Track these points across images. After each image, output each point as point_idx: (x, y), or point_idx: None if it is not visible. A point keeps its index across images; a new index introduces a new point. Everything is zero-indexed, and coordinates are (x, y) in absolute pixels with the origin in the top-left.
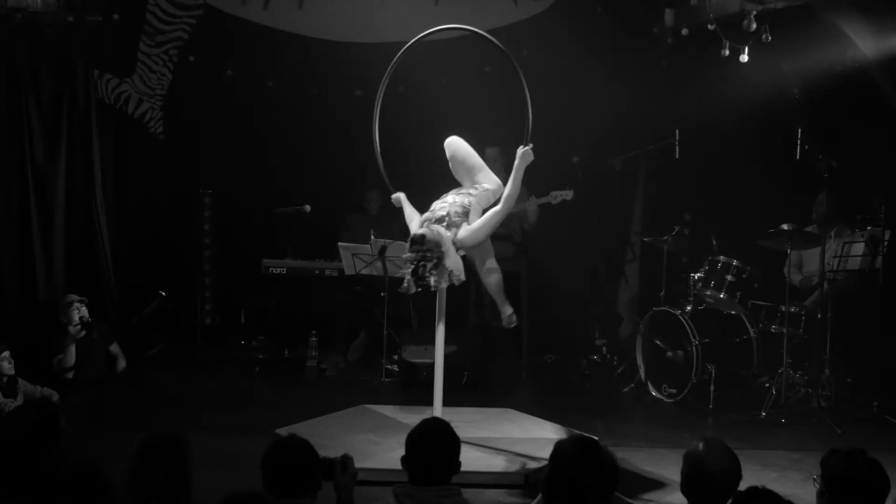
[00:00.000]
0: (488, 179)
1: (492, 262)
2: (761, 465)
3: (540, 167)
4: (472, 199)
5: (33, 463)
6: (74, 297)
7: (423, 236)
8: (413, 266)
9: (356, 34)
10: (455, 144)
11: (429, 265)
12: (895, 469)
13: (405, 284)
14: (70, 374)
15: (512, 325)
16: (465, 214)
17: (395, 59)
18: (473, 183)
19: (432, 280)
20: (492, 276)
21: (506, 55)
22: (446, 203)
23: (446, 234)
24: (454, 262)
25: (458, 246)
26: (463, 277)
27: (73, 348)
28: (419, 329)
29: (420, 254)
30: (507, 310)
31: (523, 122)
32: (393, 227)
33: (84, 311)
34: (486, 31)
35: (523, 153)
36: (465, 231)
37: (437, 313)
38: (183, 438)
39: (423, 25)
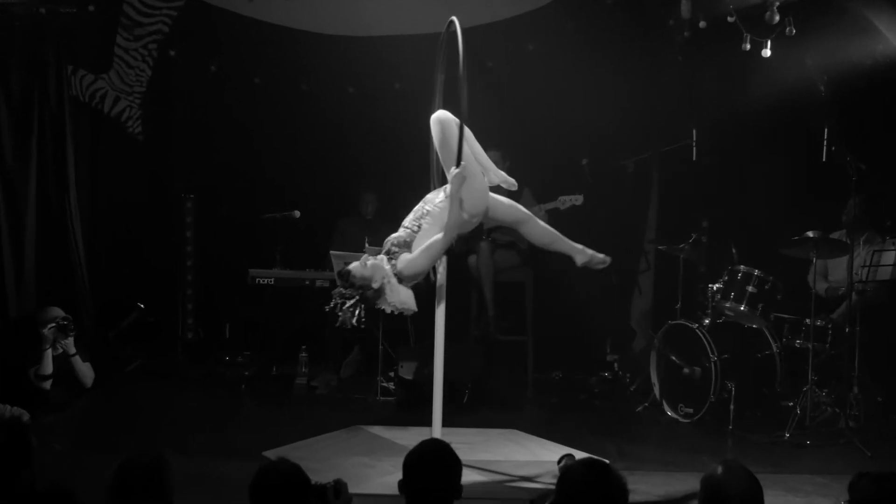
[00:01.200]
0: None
1: (524, 219)
2: (785, 490)
3: (548, 170)
4: (424, 222)
5: (3, 486)
6: (59, 311)
7: (348, 272)
8: (333, 302)
9: (348, 27)
10: (441, 124)
11: (348, 302)
12: None
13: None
14: (48, 384)
15: (604, 264)
16: (408, 245)
17: (441, 42)
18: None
19: (349, 318)
20: (536, 231)
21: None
22: (400, 227)
23: (386, 268)
24: (397, 295)
25: (399, 278)
26: (414, 308)
27: (49, 355)
28: (417, 344)
29: (339, 289)
30: (581, 256)
31: (527, 124)
32: (389, 233)
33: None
34: (489, 24)
35: (454, 176)
36: (402, 262)
37: (437, 326)
38: (163, 461)
39: (419, 18)
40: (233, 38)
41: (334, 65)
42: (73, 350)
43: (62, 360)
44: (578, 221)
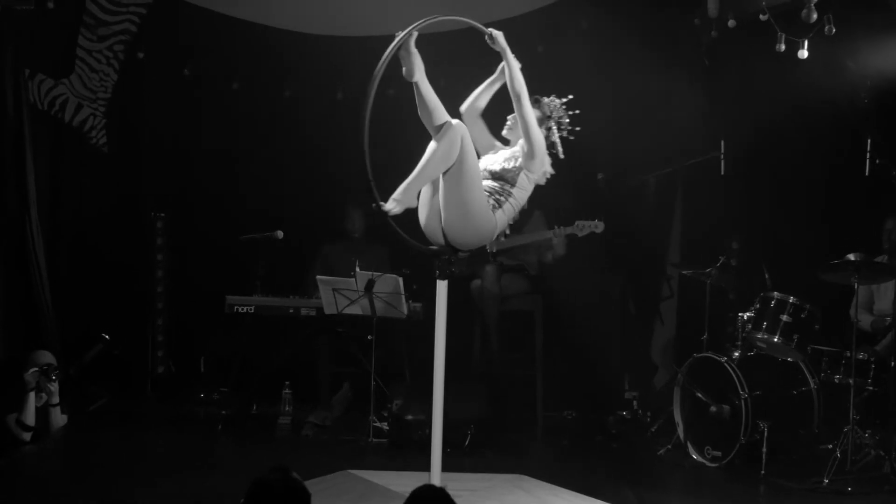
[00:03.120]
0: None
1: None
2: None
3: (560, 187)
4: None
5: None
6: (48, 357)
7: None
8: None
9: (336, 26)
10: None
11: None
12: None
13: None
14: (28, 436)
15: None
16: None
17: (386, 54)
18: None
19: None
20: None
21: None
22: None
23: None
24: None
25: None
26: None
27: (32, 402)
28: (413, 379)
29: None
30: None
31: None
32: (381, 255)
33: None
34: (495, 23)
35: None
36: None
37: (436, 359)
38: None
39: (415, 16)
40: (208, 39)
41: (321, 68)
42: (56, 399)
43: (42, 410)
44: (593, 244)
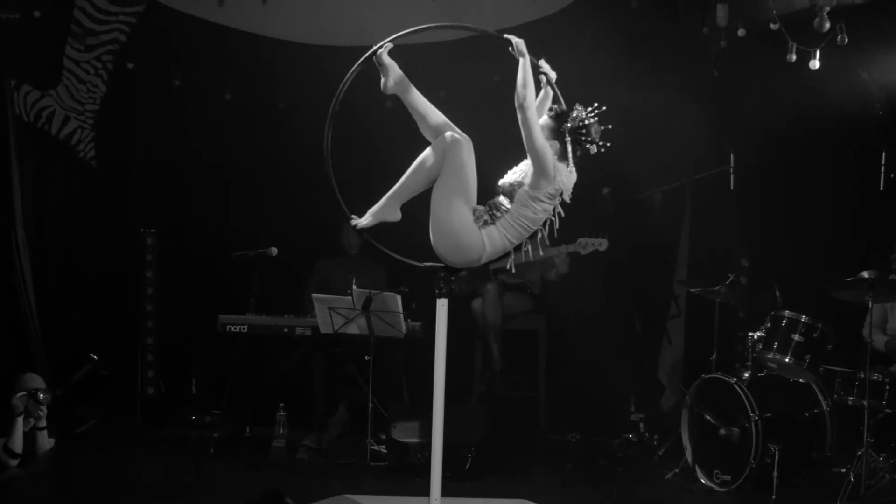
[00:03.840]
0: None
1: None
2: None
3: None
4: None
5: None
6: (38, 381)
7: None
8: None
9: (331, 36)
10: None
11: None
12: None
13: None
14: (15, 462)
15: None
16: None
17: (353, 69)
18: None
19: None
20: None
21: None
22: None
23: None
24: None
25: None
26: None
27: (20, 427)
28: (412, 401)
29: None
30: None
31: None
32: (378, 272)
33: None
34: (497, 32)
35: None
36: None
37: (436, 381)
38: None
39: (412, 26)
40: (200, 49)
41: (316, 79)
42: (43, 423)
43: (28, 434)
44: (598, 261)
